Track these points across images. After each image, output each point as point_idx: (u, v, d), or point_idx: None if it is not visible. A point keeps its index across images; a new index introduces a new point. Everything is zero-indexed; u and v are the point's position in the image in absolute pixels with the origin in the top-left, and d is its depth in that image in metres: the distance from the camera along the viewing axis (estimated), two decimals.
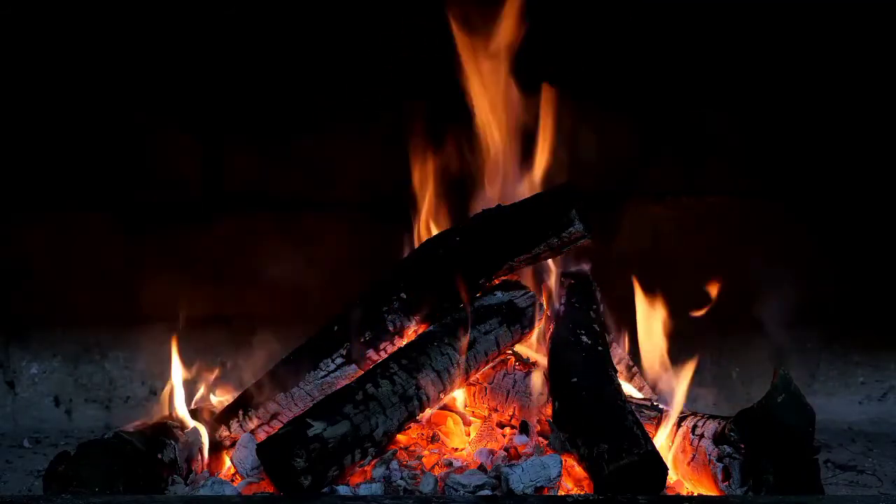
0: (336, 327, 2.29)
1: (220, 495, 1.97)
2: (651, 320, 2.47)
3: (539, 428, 2.21)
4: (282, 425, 2.09)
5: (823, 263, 3.07)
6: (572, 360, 2.20)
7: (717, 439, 2.03)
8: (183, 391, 2.28)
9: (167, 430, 2.15)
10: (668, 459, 2.08)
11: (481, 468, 2.04)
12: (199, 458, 2.18)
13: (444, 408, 2.30)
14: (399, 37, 2.94)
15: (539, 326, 2.34)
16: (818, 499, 1.92)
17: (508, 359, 2.34)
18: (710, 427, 2.08)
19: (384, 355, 2.23)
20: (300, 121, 3.00)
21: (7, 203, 3.00)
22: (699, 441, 2.08)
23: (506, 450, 2.15)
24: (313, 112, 3.00)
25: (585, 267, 2.54)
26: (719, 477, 1.99)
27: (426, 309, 2.27)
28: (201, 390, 2.41)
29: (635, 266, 2.57)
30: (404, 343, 2.24)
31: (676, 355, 2.39)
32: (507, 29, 2.48)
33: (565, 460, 2.01)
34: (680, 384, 2.27)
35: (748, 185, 3.09)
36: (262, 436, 2.16)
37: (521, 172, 2.50)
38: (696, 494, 2.05)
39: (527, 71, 2.52)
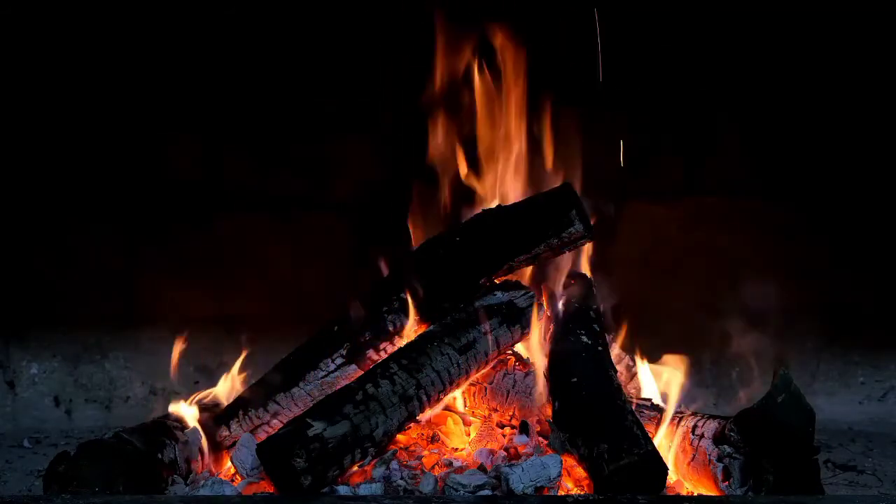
0: (336, 327, 2.29)
1: (220, 495, 1.97)
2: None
3: (539, 428, 2.21)
4: (282, 425, 2.09)
5: (824, 263, 3.07)
6: (572, 360, 2.19)
7: (717, 439, 2.03)
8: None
9: (167, 430, 2.15)
10: (668, 459, 2.08)
11: (481, 468, 2.04)
12: (199, 458, 2.18)
13: (444, 408, 2.30)
14: (399, 36, 2.94)
15: (539, 326, 2.34)
16: (818, 499, 1.92)
17: (508, 359, 2.34)
18: (710, 427, 2.08)
19: (384, 355, 2.23)
20: (299, 121, 3.00)
21: (7, 203, 3.00)
22: (699, 441, 2.08)
23: (506, 450, 2.15)
24: (313, 112, 3.00)
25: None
26: (719, 477, 1.99)
27: (426, 309, 2.27)
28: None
29: (635, 266, 2.57)
30: (404, 343, 2.24)
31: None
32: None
33: (565, 460, 2.01)
34: (677, 384, 2.27)
35: (748, 186, 3.09)
36: (262, 436, 2.16)
37: (523, 173, 2.50)
38: (696, 494, 2.05)
39: (528, 70, 2.53)
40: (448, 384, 2.15)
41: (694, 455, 2.08)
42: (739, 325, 3.00)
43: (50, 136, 2.98)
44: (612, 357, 2.33)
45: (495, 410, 2.32)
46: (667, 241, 3.08)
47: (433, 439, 2.22)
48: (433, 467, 2.09)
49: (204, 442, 2.19)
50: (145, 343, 3.06)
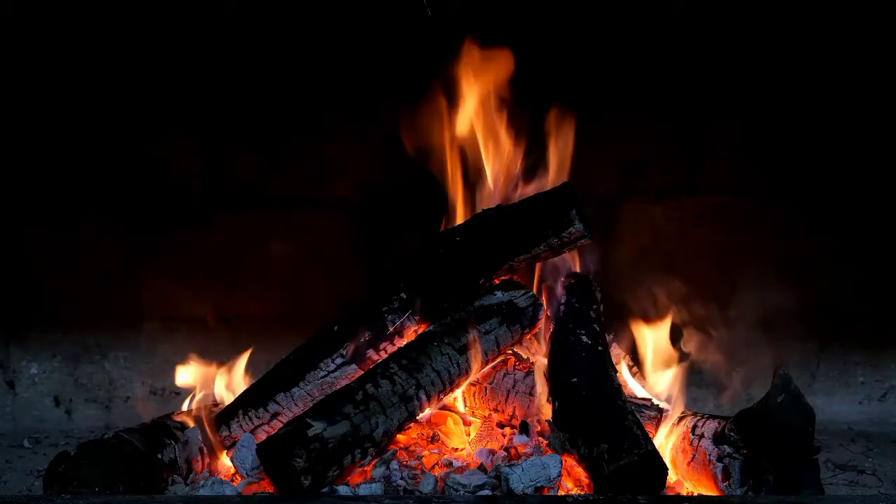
0: (336, 327, 2.29)
1: (220, 495, 1.97)
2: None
3: (539, 428, 2.21)
4: (282, 425, 2.09)
5: (823, 263, 3.07)
6: (572, 360, 2.20)
7: (717, 439, 2.03)
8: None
9: (167, 430, 2.15)
10: (667, 459, 2.08)
11: (481, 468, 2.05)
12: (199, 458, 2.18)
13: (444, 408, 2.30)
14: (398, 36, 2.94)
15: (539, 326, 2.34)
16: (818, 499, 1.92)
17: (508, 359, 2.34)
18: (710, 427, 2.08)
19: (384, 355, 2.23)
20: (299, 120, 3.00)
21: (7, 203, 3.00)
22: (699, 441, 2.08)
23: (506, 450, 2.15)
24: (312, 111, 3.00)
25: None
26: (719, 477, 1.99)
27: (426, 309, 2.27)
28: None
29: (635, 266, 2.57)
30: (404, 343, 2.24)
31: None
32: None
33: (565, 460, 2.01)
34: (677, 384, 2.28)
35: (748, 185, 3.09)
36: (262, 436, 2.16)
37: (523, 173, 2.50)
38: (696, 494, 2.05)
39: (529, 69, 2.53)
40: (448, 384, 2.15)
41: (694, 455, 2.08)
42: (739, 324, 3.01)
43: (50, 135, 2.98)
44: (612, 357, 2.34)
45: (495, 410, 2.32)
46: (667, 240, 3.08)
47: (433, 439, 2.22)
48: (433, 467, 2.09)
49: (203, 442, 2.19)
50: (145, 343, 3.06)
